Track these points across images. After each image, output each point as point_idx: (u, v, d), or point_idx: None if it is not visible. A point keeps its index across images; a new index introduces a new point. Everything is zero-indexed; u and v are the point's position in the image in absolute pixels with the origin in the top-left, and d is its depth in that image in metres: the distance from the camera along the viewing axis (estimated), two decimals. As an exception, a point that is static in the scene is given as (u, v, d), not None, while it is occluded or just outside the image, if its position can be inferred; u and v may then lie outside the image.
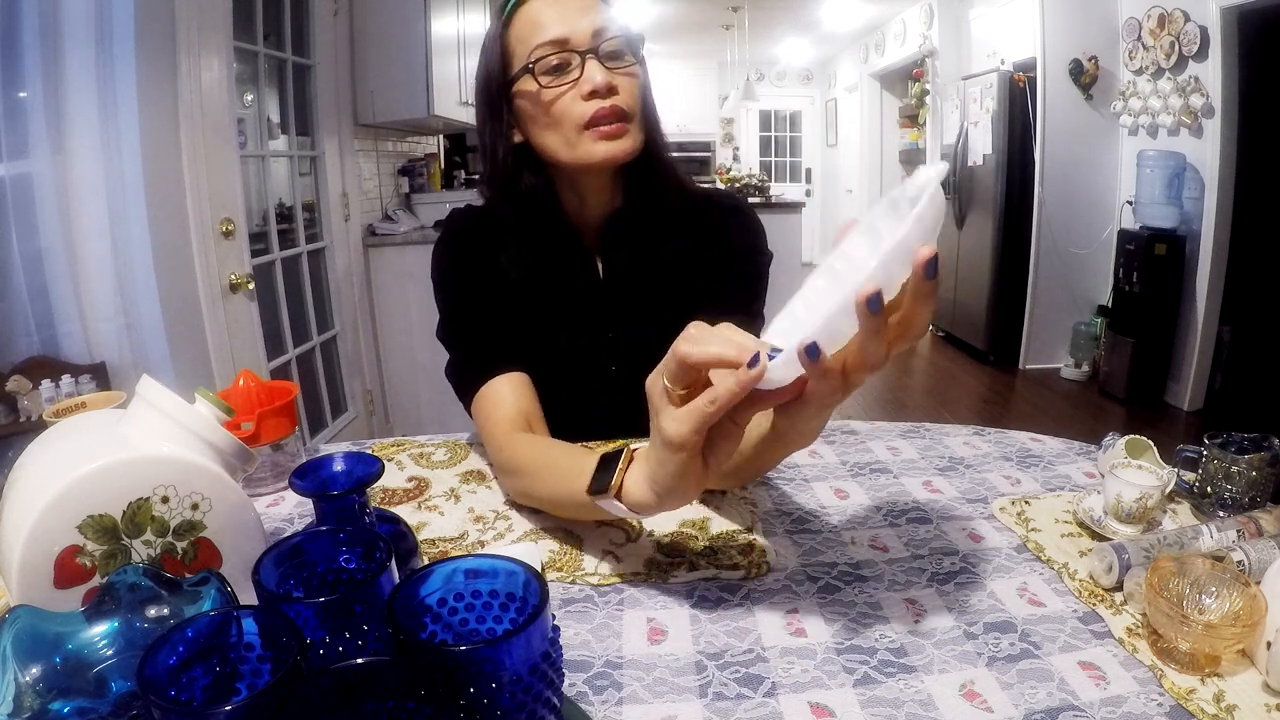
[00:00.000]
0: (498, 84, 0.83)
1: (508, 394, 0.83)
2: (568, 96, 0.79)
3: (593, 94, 0.79)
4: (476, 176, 3.89)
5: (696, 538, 0.72)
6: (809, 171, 8.57)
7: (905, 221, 0.44)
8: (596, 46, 0.79)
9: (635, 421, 0.89)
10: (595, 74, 0.78)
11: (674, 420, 0.51)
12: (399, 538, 0.59)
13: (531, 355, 0.87)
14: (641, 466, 0.57)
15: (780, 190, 6.95)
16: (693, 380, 0.52)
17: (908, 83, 6.14)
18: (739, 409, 0.51)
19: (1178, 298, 3.58)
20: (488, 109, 0.86)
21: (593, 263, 0.92)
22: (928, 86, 5.43)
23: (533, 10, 0.81)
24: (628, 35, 0.82)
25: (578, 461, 0.66)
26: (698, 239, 0.92)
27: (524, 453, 0.77)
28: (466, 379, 0.86)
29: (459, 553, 0.71)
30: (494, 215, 0.91)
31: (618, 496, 0.58)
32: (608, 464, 0.60)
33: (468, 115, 3.33)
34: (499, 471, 0.84)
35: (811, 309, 0.53)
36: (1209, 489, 0.74)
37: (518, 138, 0.86)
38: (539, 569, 0.52)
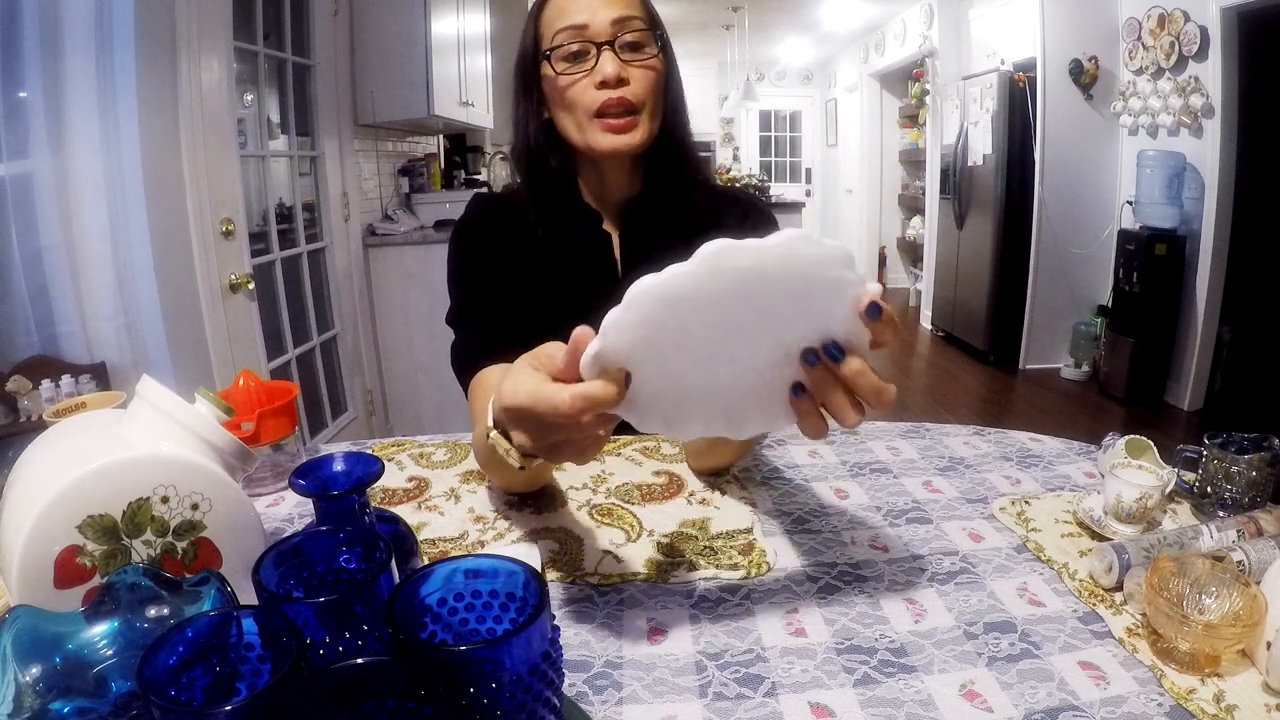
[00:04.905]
0: (530, 62, 0.86)
1: (497, 382, 0.84)
2: (581, 84, 0.82)
3: (603, 84, 0.81)
4: (477, 176, 3.90)
5: (696, 538, 0.72)
6: (809, 172, 8.56)
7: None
8: (615, 37, 0.82)
9: None
10: (607, 65, 0.81)
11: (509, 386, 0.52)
12: (399, 538, 0.59)
13: (542, 340, 0.88)
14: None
15: (780, 190, 6.95)
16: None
17: (908, 83, 6.13)
18: None
19: (1178, 298, 3.58)
20: (521, 85, 0.88)
21: (611, 247, 0.93)
22: (928, 86, 5.42)
23: None
24: (649, 27, 0.84)
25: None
26: (716, 231, 0.93)
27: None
28: (466, 361, 0.87)
29: (459, 553, 0.71)
30: (513, 202, 0.93)
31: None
32: None
33: (468, 115, 3.33)
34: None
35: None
36: (1209, 489, 0.74)
37: (547, 115, 0.88)
38: (539, 569, 0.52)
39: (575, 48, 0.82)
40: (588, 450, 0.53)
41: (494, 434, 0.57)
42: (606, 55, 0.81)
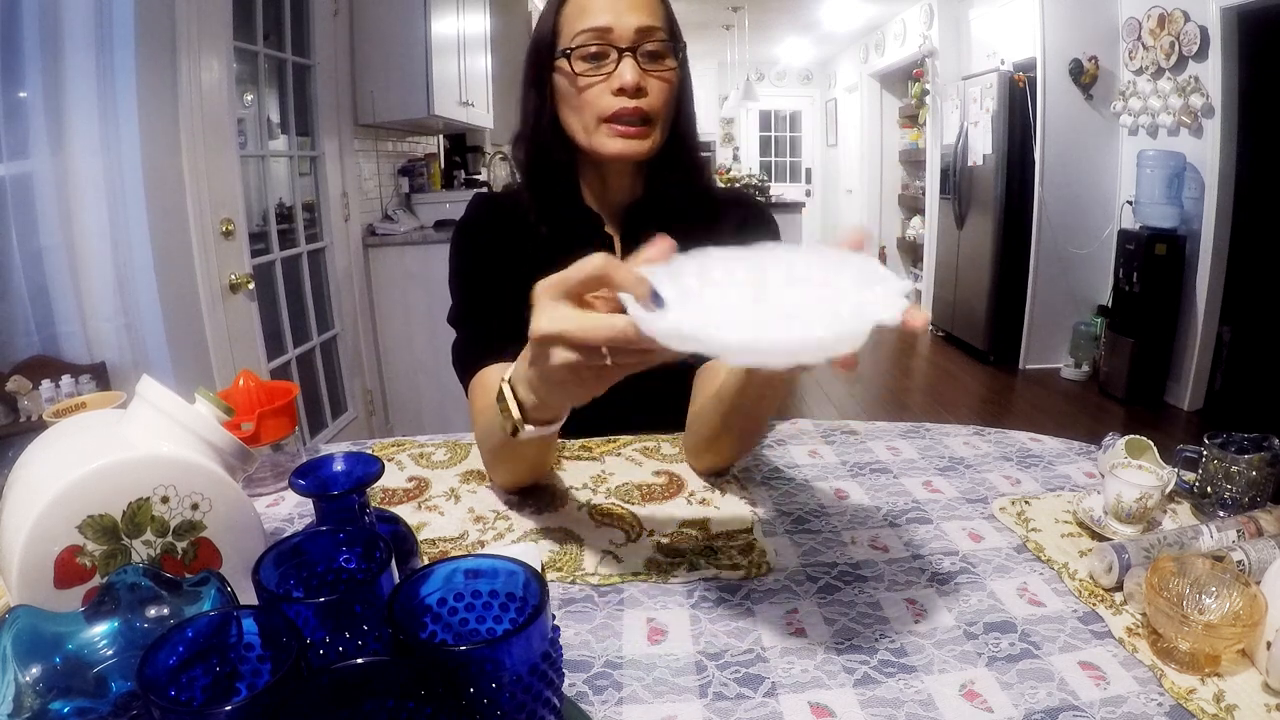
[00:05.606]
0: (545, 55, 0.86)
1: (496, 382, 0.84)
2: (598, 87, 0.82)
3: (621, 91, 0.81)
4: (477, 176, 3.90)
5: (696, 538, 0.72)
6: (809, 171, 8.57)
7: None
8: (637, 45, 0.81)
9: (645, 410, 0.90)
10: (627, 72, 0.81)
11: (546, 317, 0.53)
12: (399, 538, 0.59)
13: None
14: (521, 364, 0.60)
15: (780, 190, 6.95)
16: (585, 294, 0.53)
17: (908, 83, 6.14)
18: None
19: (1178, 298, 3.58)
20: (533, 75, 0.88)
21: (613, 250, 0.93)
22: (928, 86, 5.42)
23: None
24: (670, 39, 0.84)
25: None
26: (716, 235, 0.93)
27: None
28: (467, 361, 0.87)
29: (459, 553, 0.71)
30: (514, 202, 0.93)
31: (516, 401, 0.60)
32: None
33: (468, 115, 3.33)
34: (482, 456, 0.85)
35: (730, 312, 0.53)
36: (1209, 489, 0.74)
37: (554, 111, 0.88)
38: (539, 569, 0.52)
39: (595, 50, 0.81)
40: (590, 384, 0.54)
41: (505, 385, 0.60)
42: (627, 62, 0.81)
